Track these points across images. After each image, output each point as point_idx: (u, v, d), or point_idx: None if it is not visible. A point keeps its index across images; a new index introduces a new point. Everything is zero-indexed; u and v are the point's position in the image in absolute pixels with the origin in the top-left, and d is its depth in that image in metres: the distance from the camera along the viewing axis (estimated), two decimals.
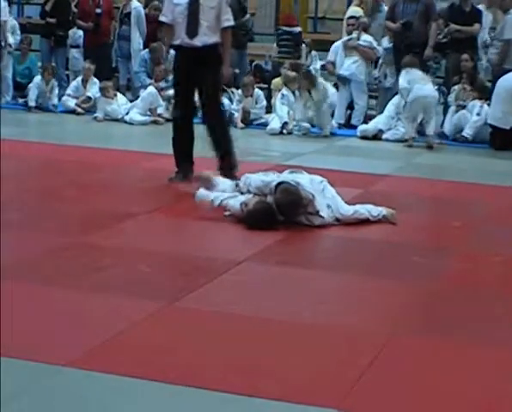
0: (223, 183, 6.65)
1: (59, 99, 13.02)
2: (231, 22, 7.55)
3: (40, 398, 3.24)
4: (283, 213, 6.08)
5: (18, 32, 13.64)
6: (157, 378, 3.41)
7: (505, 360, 3.83)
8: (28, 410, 3.15)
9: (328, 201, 6.25)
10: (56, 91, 13.01)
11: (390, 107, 11.51)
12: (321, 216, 6.14)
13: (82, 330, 3.94)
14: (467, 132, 11.22)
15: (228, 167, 7.36)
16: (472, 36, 12.19)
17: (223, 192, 6.42)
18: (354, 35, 12.31)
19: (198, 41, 7.33)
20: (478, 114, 11.23)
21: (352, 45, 12.21)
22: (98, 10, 13.56)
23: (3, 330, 3.73)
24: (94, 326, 4.00)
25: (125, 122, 12.02)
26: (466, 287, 4.99)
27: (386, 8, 12.93)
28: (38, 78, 12.96)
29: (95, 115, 12.24)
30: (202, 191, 6.38)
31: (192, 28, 7.31)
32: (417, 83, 10.82)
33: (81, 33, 13.88)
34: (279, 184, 6.12)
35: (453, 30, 12.09)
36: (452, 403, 3.37)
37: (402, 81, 10.98)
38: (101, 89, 12.54)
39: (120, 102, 12.54)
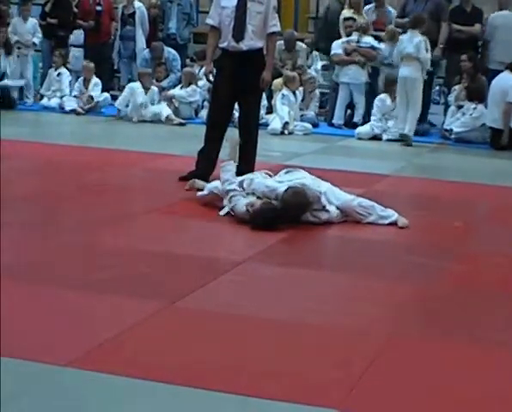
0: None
1: (61, 97, 13.02)
2: (277, 28, 7.59)
3: (40, 398, 3.24)
4: (290, 214, 6.07)
5: (39, 30, 13.58)
6: (158, 378, 3.41)
7: (506, 361, 3.83)
8: (28, 410, 3.15)
9: (324, 190, 6.27)
10: (66, 80, 12.99)
11: (375, 111, 11.53)
12: (327, 211, 6.16)
13: (82, 330, 3.94)
14: (455, 129, 11.23)
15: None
16: (473, 36, 12.19)
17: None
18: (354, 37, 12.27)
19: (244, 45, 7.37)
20: (471, 114, 11.24)
21: (352, 47, 12.18)
22: (99, 8, 13.56)
23: (2, 330, 3.73)
24: (94, 326, 4.00)
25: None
26: (467, 288, 4.99)
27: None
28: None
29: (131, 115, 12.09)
30: (230, 170, 6.39)
31: (239, 32, 7.35)
32: (403, 60, 10.83)
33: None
34: (287, 189, 6.12)
35: (454, 30, 12.09)
36: (452, 404, 3.37)
37: (396, 48, 11.07)
38: (139, 75, 12.42)
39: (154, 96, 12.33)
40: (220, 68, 7.61)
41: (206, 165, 7.47)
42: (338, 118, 12.26)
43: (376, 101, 11.57)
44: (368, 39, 12.23)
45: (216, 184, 6.53)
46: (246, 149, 7.50)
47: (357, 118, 12.15)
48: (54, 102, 12.95)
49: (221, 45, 7.55)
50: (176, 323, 4.14)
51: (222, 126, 7.55)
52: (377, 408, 3.32)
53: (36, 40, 13.48)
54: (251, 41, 7.38)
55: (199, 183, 7.00)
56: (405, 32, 11.34)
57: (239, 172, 6.69)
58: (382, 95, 11.57)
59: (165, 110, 11.96)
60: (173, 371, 3.51)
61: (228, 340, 3.91)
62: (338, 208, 6.27)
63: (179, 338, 3.91)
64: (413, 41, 10.80)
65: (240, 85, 7.40)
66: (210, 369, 3.55)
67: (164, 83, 12.74)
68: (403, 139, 10.87)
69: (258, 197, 6.18)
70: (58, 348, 3.68)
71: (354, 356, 3.77)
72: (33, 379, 3.38)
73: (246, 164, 7.36)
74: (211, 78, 7.71)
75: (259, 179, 6.37)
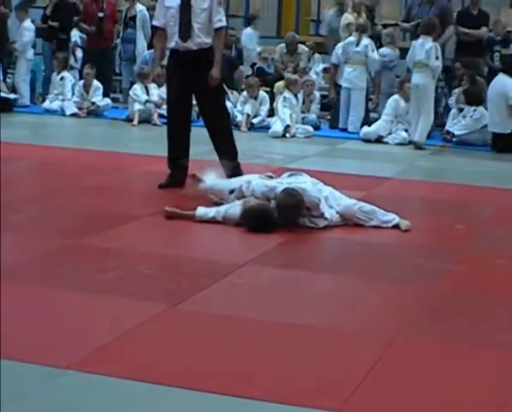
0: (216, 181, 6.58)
1: (63, 100, 12.99)
2: (223, 23, 7.49)
3: (41, 401, 3.23)
4: (284, 216, 6.06)
5: (25, 34, 13.44)
6: (158, 381, 3.41)
7: (508, 362, 3.82)
8: None
9: (326, 195, 6.26)
10: (69, 84, 12.98)
11: (388, 111, 11.45)
12: (326, 218, 6.14)
13: (83, 332, 3.94)
14: (456, 132, 11.21)
15: (233, 172, 7.31)
16: (479, 39, 12.19)
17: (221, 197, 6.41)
18: (352, 38, 12.15)
19: (193, 44, 7.31)
20: (471, 117, 11.22)
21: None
22: (100, 14, 13.54)
23: (3, 332, 3.72)
24: (96, 329, 4.00)
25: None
26: (469, 290, 4.98)
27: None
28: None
29: (133, 111, 12.05)
30: (200, 210, 6.28)
31: (185, 31, 7.28)
32: (415, 67, 10.82)
33: None
34: (283, 190, 6.11)
35: (460, 33, 12.10)
36: (454, 406, 3.36)
37: (409, 54, 11.02)
38: (139, 75, 12.44)
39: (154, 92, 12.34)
40: (171, 68, 7.57)
41: (179, 170, 7.43)
42: (343, 122, 12.20)
43: (390, 101, 11.45)
44: (365, 42, 12.08)
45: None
46: (221, 150, 7.49)
47: (353, 125, 12.01)
48: (56, 105, 12.94)
49: (169, 46, 7.50)
50: (177, 325, 4.13)
51: (183, 126, 7.50)
52: (380, 411, 3.31)
53: (17, 45, 13.44)
54: (198, 39, 7.32)
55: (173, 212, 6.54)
56: (416, 36, 11.31)
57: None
58: (396, 96, 11.47)
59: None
60: (174, 373, 3.50)
61: (228, 342, 3.90)
62: (338, 212, 6.25)
63: (180, 341, 3.91)
64: (424, 48, 10.76)
65: (193, 85, 7.34)
66: (211, 372, 3.54)
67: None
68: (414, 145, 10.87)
69: (256, 198, 6.18)
70: (59, 351, 3.68)
71: (355, 359, 3.76)
72: (34, 382, 3.38)
73: (226, 165, 7.34)
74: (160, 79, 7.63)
75: (257, 181, 6.36)
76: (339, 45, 12.36)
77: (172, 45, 7.42)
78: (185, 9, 7.29)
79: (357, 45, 12.02)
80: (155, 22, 7.69)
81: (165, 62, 8.31)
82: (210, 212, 6.21)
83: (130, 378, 3.42)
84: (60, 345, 3.75)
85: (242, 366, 3.64)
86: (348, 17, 12.65)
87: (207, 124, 7.64)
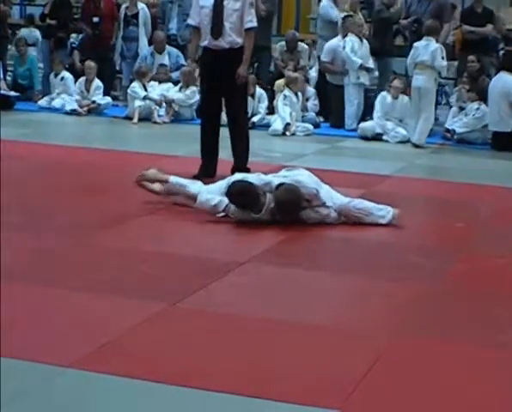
0: (193, 183, 6.59)
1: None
2: (254, 24, 7.78)
3: (41, 399, 3.24)
4: (284, 212, 6.09)
5: None
6: (159, 379, 3.42)
7: (506, 362, 3.82)
8: (29, 411, 3.15)
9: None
10: (71, 83, 12.96)
11: (376, 107, 11.42)
12: (327, 206, 6.17)
13: (83, 331, 3.94)
14: (457, 130, 11.19)
15: (240, 168, 7.49)
16: (485, 37, 12.19)
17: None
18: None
19: (224, 42, 7.62)
20: (474, 115, 11.20)
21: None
22: (95, 19, 13.44)
23: (3, 331, 3.73)
24: (96, 327, 4.00)
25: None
26: (469, 289, 4.99)
27: None
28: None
29: (134, 108, 11.98)
30: (203, 196, 6.32)
31: (217, 29, 7.59)
32: (417, 68, 10.81)
33: None
34: (280, 184, 6.13)
35: (466, 31, 12.09)
36: (453, 405, 3.37)
37: (410, 55, 10.98)
38: (137, 73, 12.45)
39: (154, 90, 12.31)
40: (203, 65, 7.97)
41: (208, 160, 7.75)
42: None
43: (378, 98, 11.49)
44: (347, 38, 11.97)
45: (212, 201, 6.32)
46: (236, 145, 7.81)
47: (349, 121, 11.93)
48: (57, 103, 12.92)
49: (202, 44, 7.81)
50: (177, 324, 4.14)
51: (214, 118, 7.82)
52: (379, 410, 3.32)
53: None
54: (229, 38, 7.62)
55: (149, 173, 6.73)
56: (413, 33, 11.30)
57: (234, 169, 6.72)
58: (384, 92, 11.49)
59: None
60: (174, 372, 3.51)
61: (229, 341, 3.91)
62: (335, 210, 6.27)
63: (181, 339, 3.91)
64: (429, 49, 10.72)
65: (222, 81, 7.63)
66: (211, 370, 3.55)
67: (165, 84, 12.67)
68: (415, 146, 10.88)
69: None
70: (60, 349, 3.68)
71: (355, 357, 3.77)
72: (35, 380, 3.38)
73: (238, 158, 7.72)
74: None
75: (252, 176, 6.39)
76: (333, 41, 12.35)
77: (205, 42, 7.73)
78: (218, 9, 7.61)
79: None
80: (190, 21, 8.04)
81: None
82: (213, 200, 6.24)
83: (130, 376, 3.42)
84: (61, 344, 3.76)
85: (242, 364, 3.65)
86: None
87: (228, 122, 7.96)
